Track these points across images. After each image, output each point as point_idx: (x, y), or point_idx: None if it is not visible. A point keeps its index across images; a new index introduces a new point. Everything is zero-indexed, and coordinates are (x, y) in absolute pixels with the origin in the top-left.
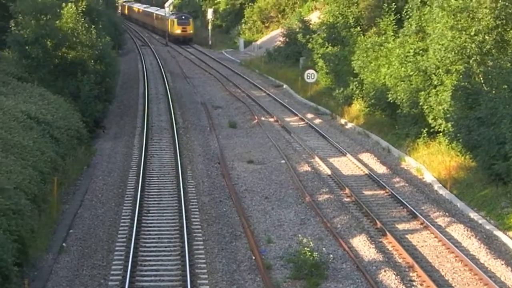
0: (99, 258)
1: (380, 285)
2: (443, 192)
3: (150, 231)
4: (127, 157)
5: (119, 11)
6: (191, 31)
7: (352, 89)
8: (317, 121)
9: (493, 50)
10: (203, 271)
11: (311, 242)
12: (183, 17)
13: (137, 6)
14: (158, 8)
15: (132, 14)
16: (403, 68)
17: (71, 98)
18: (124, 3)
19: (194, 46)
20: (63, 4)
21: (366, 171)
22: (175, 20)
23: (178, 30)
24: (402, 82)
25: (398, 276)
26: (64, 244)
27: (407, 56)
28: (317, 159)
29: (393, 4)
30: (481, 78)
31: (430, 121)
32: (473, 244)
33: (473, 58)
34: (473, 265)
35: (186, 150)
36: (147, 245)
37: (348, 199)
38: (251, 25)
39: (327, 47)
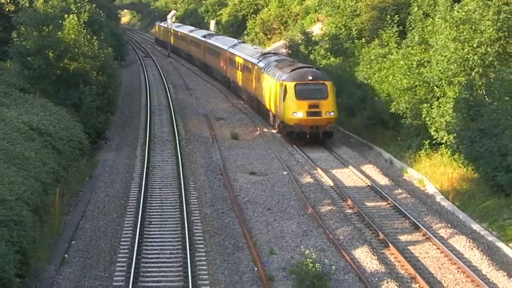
0: (101, 269)
1: None
2: (445, 203)
3: (152, 242)
4: (129, 168)
5: (156, 37)
6: (333, 113)
7: (355, 100)
8: None
9: (495, 62)
10: (205, 282)
11: (313, 254)
12: (310, 77)
13: (194, 34)
14: (246, 44)
15: (183, 46)
16: (405, 80)
17: (73, 109)
18: (161, 23)
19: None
20: (65, 15)
21: (369, 183)
22: (290, 85)
23: (299, 112)
24: (405, 94)
25: (401, 287)
26: (66, 255)
27: (410, 67)
28: (319, 170)
29: (396, 16)
30: (483, 90)
31: (432, 133)
32: (475, 256)
33: (475, 70)
34: (475, 276)
35: (188, 162)
36: (149, 256)
37: (350, 211)
38: (253, 36)
39: (329, 58)
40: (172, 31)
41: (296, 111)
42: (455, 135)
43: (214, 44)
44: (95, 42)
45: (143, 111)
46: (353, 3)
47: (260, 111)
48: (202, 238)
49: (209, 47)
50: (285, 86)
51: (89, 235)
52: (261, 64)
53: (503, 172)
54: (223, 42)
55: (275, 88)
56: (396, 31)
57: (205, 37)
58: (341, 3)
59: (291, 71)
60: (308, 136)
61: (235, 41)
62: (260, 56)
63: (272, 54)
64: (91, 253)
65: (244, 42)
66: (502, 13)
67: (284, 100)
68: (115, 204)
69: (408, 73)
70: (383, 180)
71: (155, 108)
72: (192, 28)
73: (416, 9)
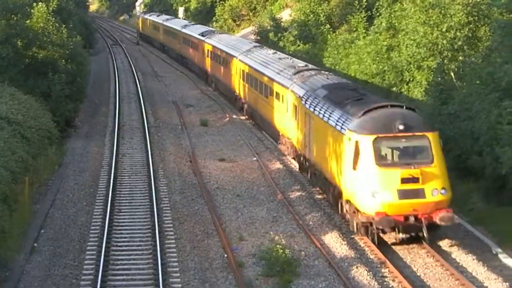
0: (71, 258)
1: (353, 281)
2: None
3: (121, 230)
4: (99, 156)
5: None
6: (444, 191)
7: None
8: None
9: (465, 46)
10: (175, 269)
11: (283, 240)
12: (401, 127)
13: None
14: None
15: (174, 45)
16: (374, 65)
17: (42, 97)
18: (147, 16)
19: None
20: (34, 4)
21: None
22: (366, 141)
23: (384, 191)
24: (373, 79)
25: (370, 272)
26: (35, 244)
27: (378, 52)
28: (288, 156)
29: (364, 1)
30: (453, 74)
31: None
32: (444, 240)
33: (444, 54)
34: (444, 261)
35: (157, 149)
36: (118, 244)
37: (320, 196)
38: (222, 23)
39: (298, 45)
40: (156, 24)
41: (378, 190)
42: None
43: (218, 47)
44: (63, 30)
45: (112, 98)
46: None
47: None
48: (171, 225)
49: (210, 51)
50: (356, 142)
51: (59, 224)
52: (299, 90)
53: (475, 156)
54: (230, 45)
55: (333, 141)
56: (364, 16)
57: (203, 35)
58: None
59: (364, 113)
60: (401, 232)
61: (248, 43)
62: (295, 73)
63: (314, 71)
64: (61, 242)
65: (262, 47)
66: None
67: (354, 167)
68: (84, 192)
69: (377, 58)
70: None
71: (124, 96)
72: (186, 22)
73: None
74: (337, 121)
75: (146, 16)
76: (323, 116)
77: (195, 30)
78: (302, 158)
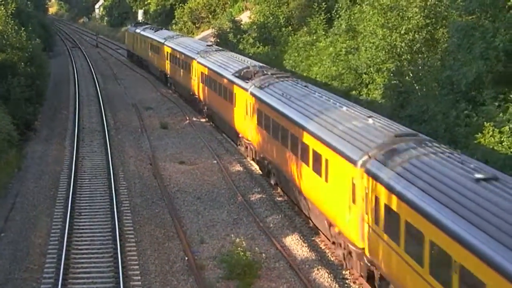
0: (31, 261)
1: (314, 283)
2: None
3: (82, 233)
4: (59, 160)
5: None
6: None
7: None
8: None
9: (423, 49)
10: (136, 272)
11: (244, 242)
12: None
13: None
14: None
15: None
16: (334, 67)
17: (1, 100)
18: (140, 30)
19: (123, 47)
20: None
21: None
22: None
23: None
24: (334, 81)
25: (331, 274)
26: None
27: (338, 54)
28: (249, 158)
29: (323, 3)
30: (412, 77)
31: None
32: None
33: (403, 57)
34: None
35: (117, 152)
36: (79, 247)
37: (280, 198)
38: (181, 25)
39: (258, 47)
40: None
41: None
42: None
43: (274, 106)
44: (23, 33)
45: (71, 101)
46: None
47: None
48: (132, 228)
49: (259, 109)
50: None
51: (19, 227)
52: None
53: None
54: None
55: None
56: (323, 19)
57: (242, 77)
58: None
59: None
60: None
61: (325, 99)
62: None
63: None
64: (21, 245)
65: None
66: (429, 0)
67: None
68: (44, 196)
69: (336, 61)
70: None
71: (83, 99)
72: (203, 46)
73: None
74: None
75: (138, 30)
76: None
77: (223, 64)
78: None
